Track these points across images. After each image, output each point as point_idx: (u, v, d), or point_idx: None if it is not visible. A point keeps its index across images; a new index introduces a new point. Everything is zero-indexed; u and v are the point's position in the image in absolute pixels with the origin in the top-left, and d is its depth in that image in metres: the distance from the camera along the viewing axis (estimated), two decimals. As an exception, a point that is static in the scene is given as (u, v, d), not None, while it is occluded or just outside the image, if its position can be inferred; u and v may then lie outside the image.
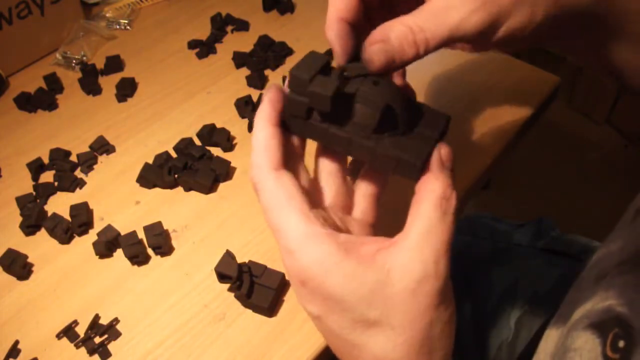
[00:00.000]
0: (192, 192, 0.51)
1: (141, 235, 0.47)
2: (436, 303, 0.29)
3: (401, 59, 0.33)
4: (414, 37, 0.33)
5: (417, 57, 0.33)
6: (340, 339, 0.30)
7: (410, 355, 0.30)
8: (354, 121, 0.32)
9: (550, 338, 0.34)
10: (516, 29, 0.34)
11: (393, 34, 0.33)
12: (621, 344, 0.27)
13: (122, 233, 0.47)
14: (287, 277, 0.31)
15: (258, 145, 0.32)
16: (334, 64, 0.35)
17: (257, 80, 0.60)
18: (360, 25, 0.36)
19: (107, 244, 0.46)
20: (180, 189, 0.52)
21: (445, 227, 0.30)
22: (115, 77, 0.63)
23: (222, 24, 0.69)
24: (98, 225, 0.49)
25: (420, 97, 0.58)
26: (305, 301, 0.30)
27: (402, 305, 0.29)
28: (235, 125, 0.57)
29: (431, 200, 0.30)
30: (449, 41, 0.33)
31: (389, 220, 0.36)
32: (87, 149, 0.55)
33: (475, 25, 0.32)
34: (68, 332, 0.42)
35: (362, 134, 0.32)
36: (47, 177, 0.54)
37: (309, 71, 0.32)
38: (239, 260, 0.44)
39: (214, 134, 0.55)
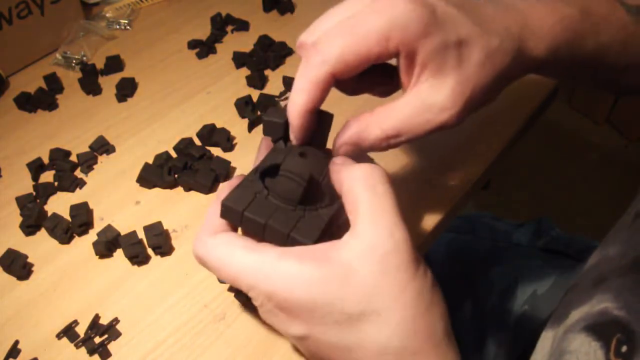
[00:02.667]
0: (192, 192, 0.51)
1: (141, 235, 0.47)
2: (412, 272, 0.29)
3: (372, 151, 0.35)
4: (388, 142, 0.34)
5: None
6: (335, 350, 0.30)
7: (412, 336, 0.29)
8: (279, 193, 0.34)
9: (547, 340, 0.34)
10: (482, 106, 0.36)
11: (367, 140, 0.34)
12: (624, 349, 0.27)
13: (122, 233, 0.47)
14: (262, 317, 0.32)
15: (205, 221, 0.34)
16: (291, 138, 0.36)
17: (257, 80, 0.60)
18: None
19: (107, 244, 0.46)
20: (180, 189, 0.52)
21: (383, 199, 0.30)
22: (115, 77, 0.63)
23: (222, 24, 0.69)
24: (98, 225, 0.49)
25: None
26: (287, 326, 0.30)
27: (377, 288, 0.28)
28: (235, 125, 0.57)
29: (357, 185, 0.31)
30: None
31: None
32: (87, 149, 0.55)
33: (452, 125, 0.34)
34: (68, 332, 0.42)
35: (287, 206, 0.34)
36: (47, 177, 0.54)
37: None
38: (239, 260, 0.44)
39: (214, 134, 0.55)
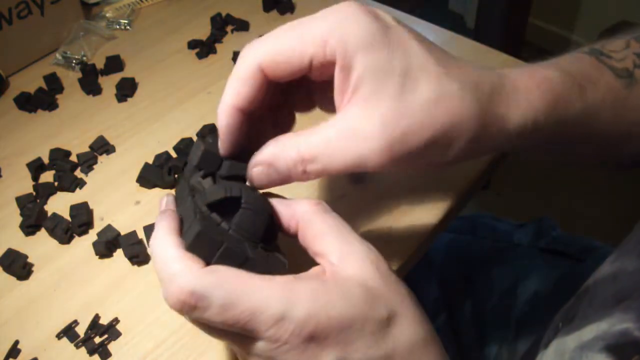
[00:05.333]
0: (192, 192, 0.51)
1: (141, 235, 0.47)
2: (393, 272, 0.30)
3: (288, 182, 0.32)
4: (304, 167, 0.30)
5: (307, 181, 0.32)
6: None
7: (423, 327, 0.30)
8: (242, 228, 0.30)
9: (557, 349, 0.34)
10: (424, 163, 0.32)
11: (282, 160, 0.31)
12: None
13: (122, 233, 0.47)
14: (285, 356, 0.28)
15: (166, 261, 0.28)
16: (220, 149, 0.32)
17: (257, 80, 0.60)
18: (260, 112, 0.34)
19: (107, 244, 0.46)
20: (180, 189, 0.52)
21: (340, 222, 0.30)
22: (115, 77, 0.63)
23: (222, 24, 0.69)
24: (98, 225, 0.49)
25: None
26: (319, 357, 0.27)
27: (388, 292, 0.29)
28: (235, 125, 0.57)
29: (314, 217, 0.30)
30: (346, 172, 0.31)
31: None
32: (87, 149, 0.55)
33: (376, 163, 0.30)
34: (68, 332, 0.42)
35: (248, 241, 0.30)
36: (47, 177, 0.54)
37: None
38: (239, 260, 0.44)
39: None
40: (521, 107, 0.32)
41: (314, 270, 0.30)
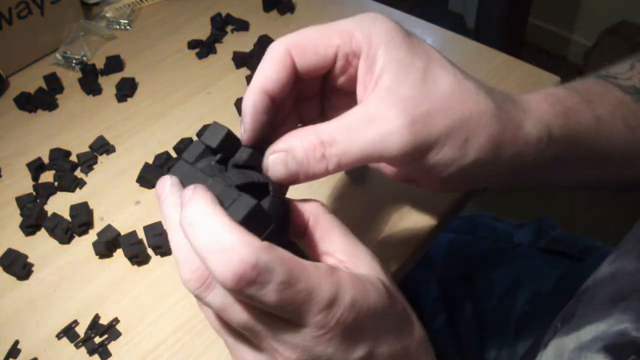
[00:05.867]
0: (192, 192, 0.51)
1: (141, 235, 0.47)
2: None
3: (306, 174, 0.30)
4: (324, 151, 0.29)
5: (326, 174, 0.30)
6: (396, 357, 0.29)
7: (422, 326, 0.31)
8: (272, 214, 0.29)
9: (556, 349, 0.34)
10: (443, 161, 0.31)
11: (300, 146, 0.29)
12: None
13: (122, 233, 0.47)
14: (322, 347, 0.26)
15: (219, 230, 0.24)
16: (241, 137, 0.32)
17: (257, 80, 0.60)
18: (285, 107, 0.34)
19: (107, 244, 0.46)
20: (180, 189, 0.52)
21: (338, 221, 0.31)
22: (115, 77, 0.63)
23: (222, 24, 0.69)
24: (98, 225, 0.49)
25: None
26: (348, 352, 0.27)
27: (397, 292, 0.30)
28: (235, 125, 0.56)
29: (321, 215, 0.31)
30: (366, 160, 0.30)
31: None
32: (87, 149, 0.55)
33: (398, 146, 0.29)
34: (68, 332, 0.42)
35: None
36: (47, 177, 0.54)
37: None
38: (239, 260, 0.44)
39: (214, 134, 0.55)
40: (534, 116, 0.33)
41: (329, 264, 0.30)
